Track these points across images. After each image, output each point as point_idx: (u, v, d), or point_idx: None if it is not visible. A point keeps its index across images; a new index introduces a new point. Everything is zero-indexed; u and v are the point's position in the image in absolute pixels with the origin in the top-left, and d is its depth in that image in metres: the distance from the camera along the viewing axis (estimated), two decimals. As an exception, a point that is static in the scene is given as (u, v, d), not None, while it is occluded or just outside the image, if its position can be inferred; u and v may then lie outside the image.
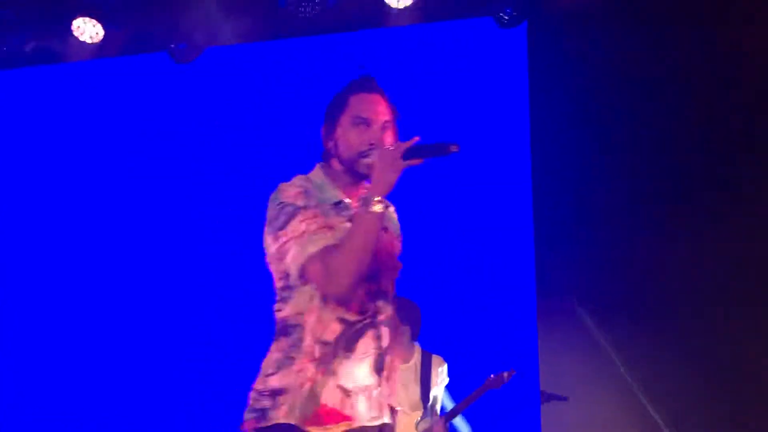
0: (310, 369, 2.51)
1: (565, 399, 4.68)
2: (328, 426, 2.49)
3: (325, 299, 2.51)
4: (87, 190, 5.96)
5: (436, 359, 4.63)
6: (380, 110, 2.61)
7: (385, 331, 2.62)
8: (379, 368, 2.61)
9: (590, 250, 4.95)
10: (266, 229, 2.58)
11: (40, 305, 5.94)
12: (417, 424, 4.50)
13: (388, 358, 2.64)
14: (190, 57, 5.51)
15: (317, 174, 2.65)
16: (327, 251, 2.45)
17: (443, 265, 5.25)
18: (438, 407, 4.64)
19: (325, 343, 2.51)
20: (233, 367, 5.23)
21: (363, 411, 2.55)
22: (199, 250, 5.73)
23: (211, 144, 5.79)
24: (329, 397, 2.51)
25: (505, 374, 4.50)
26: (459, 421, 4.93)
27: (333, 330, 2.52)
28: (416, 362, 4.59)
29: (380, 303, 2.60)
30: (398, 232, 2.77)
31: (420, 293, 4.48)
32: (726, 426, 4.62)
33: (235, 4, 5.29)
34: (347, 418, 2.51)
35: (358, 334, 2.55)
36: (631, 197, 4.96)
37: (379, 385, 2.60)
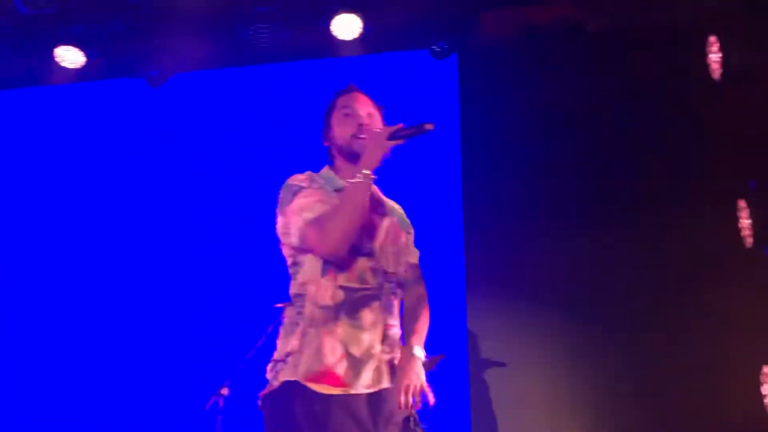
0: (312, 332, 2.71)
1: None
2: (326, 386, 2.66)
3: (324, 268, 2.75)
4: (74, 199, 5.99)
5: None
6: (363, 101, 2.99)
7: (391, 305, 2.83)
8: (385, 338, 2.78)
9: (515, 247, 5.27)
10: (277, 212, 2.87)
11: (28, 312, 5.93)
12: None
13: (395, 330, 2.83)
14: (161, 82, 5.83)
15: (325, 171, 2.97)
16: (323, 216, 2.73)
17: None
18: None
19: (324, 308, 2.73)
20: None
21: (364, 380, 2.70)
22: (175, 259, 5.79)
23: (186, 163, 5.91)
24: (337, 364, 2.67)
25: (435, 358, 4.87)
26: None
27: (333, 296, 2.73)
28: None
29: (384, 279, 2.82)
30: (406, 226, 3.04)
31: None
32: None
33: (201, 34, 5.60)
34: (345, 385, 2.67)
35: (362, 303, 2.74)
36: (555, 207, 5.29)
37: (383, 353, 2.77)
